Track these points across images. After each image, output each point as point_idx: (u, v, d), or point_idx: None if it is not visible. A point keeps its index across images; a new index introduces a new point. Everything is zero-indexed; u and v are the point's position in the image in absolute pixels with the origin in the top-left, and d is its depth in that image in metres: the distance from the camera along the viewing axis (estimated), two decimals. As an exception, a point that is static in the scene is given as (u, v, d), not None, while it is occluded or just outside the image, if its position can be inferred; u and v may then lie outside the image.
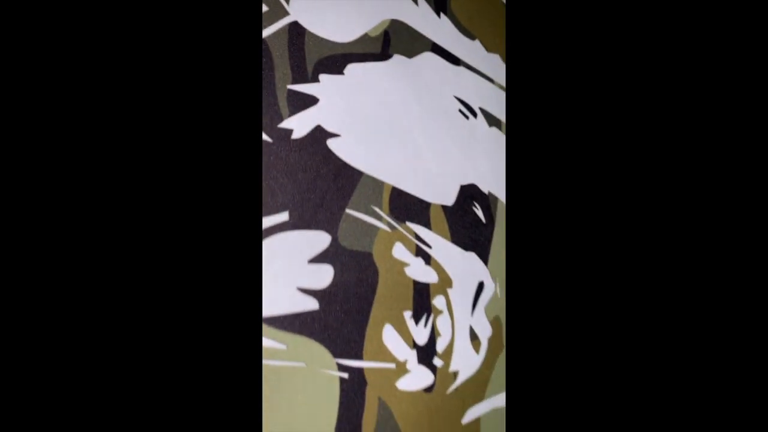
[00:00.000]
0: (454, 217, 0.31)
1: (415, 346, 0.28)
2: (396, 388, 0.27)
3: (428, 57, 0.33)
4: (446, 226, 0.31)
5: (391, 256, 0.28)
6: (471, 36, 0.36)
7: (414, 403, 0.27)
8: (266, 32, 0.28)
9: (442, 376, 0.29)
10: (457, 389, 0.29)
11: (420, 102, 0.32)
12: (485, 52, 0.36)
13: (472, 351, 0.30)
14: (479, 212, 0.33)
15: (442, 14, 0.35)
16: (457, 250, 0.31)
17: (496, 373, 0.31)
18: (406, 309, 0.28)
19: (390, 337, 0.27)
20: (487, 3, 0.37)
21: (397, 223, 0.29)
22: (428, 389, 0.28)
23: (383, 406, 0.26)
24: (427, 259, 0.30)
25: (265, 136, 0.26)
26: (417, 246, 0.29)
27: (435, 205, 0.31)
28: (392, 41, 0.31)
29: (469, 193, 0.33)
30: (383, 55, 0.31)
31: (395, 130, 0.30)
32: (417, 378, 0.28)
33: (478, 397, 0.30)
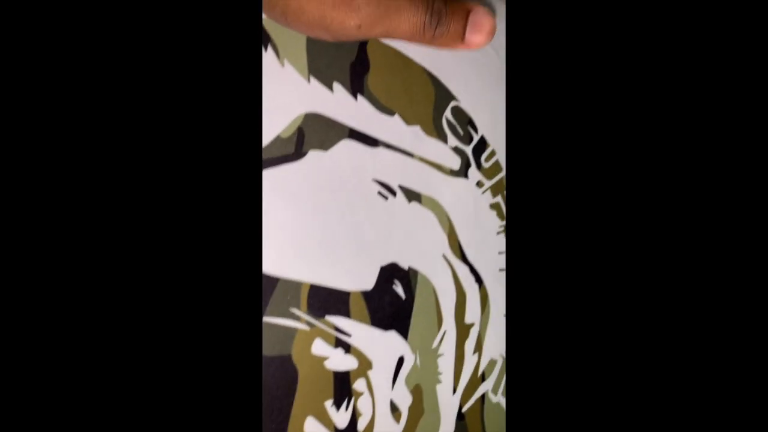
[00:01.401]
0: (373, 300, 0.34)
1: (335, 430, 0.31)
2: (319, 473, 0.30)
3: (345, 144, 0.34)
4: (366, 311, 0.33)
5: (310, 354, 0.30)
6: (389, 112, 0.37)
7: (336, 483, 0.30)
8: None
9: (364, 451, 0.32)
10: (378, 460, 0.32)
11: (336, 195, 0.33)
12: (405, 125, 0.38)
13: (393, 422, 0.33)
14: (399, 290, 0.35)
15: (359, 95, 0.35)
16: (377, 332, 0.34)
17: (416, 437, 0.34)
18: (327, 399, 0.31)
19: (312, 427, 0.30)
20: (405, 73, 0.38)
21: (316, 319, 0.31)
22: (350, 467, 0.31)
23: (307, 492, 0.29)
24: (347, 347, 0.32)
25: None
26: (336, 338, 0.32)
27: (355, 292, 0.33)
28: (306, 137, 0.32)
29: (389, 273, 0.35)
30: (297, 154, 0.32)
31: (312, 229, 0.32)
32: (339, 460, 0.31)
33: (399, 463, 0.33)
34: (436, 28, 0.27)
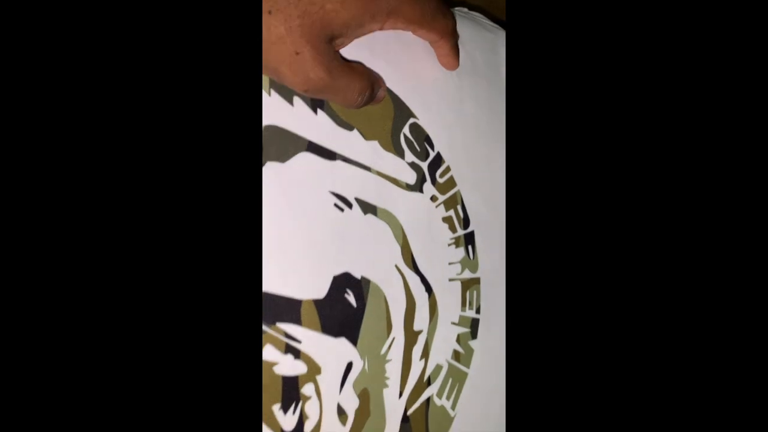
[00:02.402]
0: (325, 308, 0.35)
1: (282, 433, 0.32)
2: (265, 475, 0.31)
3: (303, 157, 0.35)
4: (317, 319, 0.35)
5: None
6: (349, 127, 0.38)
7: (280, 484, 0.32)
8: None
9: (309, 453, 0.33)
10: (323, 461, 0.34)
11: (293, 206, 0.34)
12: (363, 141, 0.39)
13: (340, 425, 0.35)
14: (351, 298, 0.37)
15: (319, 110, 0.37)
16: (327, 339, 0.35)
17: (361, 439, 0.36)
18: (274, 403, 0.32)
19: None
20: (367, 90, 0.40)
21: (267, 326, 0.32)
22: (295, 468, 0.32)
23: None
24: (297, 353, 0.33)
25: None
26: (286, 344, 0.33)
27: (307, 300, 0.34)
28: (264, 148, 0.33)
29: (342, 282, 0.36)
30: (255, 166, 0.33)
31: (267, 238, 0.33)
32: (284, 461, 0.32)
33: (344, 464, 0.35)
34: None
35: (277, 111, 0.34)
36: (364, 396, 0.37)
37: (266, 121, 0.34)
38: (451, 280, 0.44)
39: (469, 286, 0.46)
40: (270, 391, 0.32)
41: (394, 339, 0.39)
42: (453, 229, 0.46)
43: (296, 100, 0.35)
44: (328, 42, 0.31)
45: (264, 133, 0.33)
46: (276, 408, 0.32)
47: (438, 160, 0.45)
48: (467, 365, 0.45)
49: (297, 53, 0.29)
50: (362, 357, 0.37)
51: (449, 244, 0.45)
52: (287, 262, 0.33)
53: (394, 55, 0.41)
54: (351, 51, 0.38)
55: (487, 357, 0.44)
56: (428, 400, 0.41)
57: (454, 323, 0.44)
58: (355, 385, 0.36)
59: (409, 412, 0.40)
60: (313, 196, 0.35)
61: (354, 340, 0.36)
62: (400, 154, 0.42)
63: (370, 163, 0.39)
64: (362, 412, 0.36)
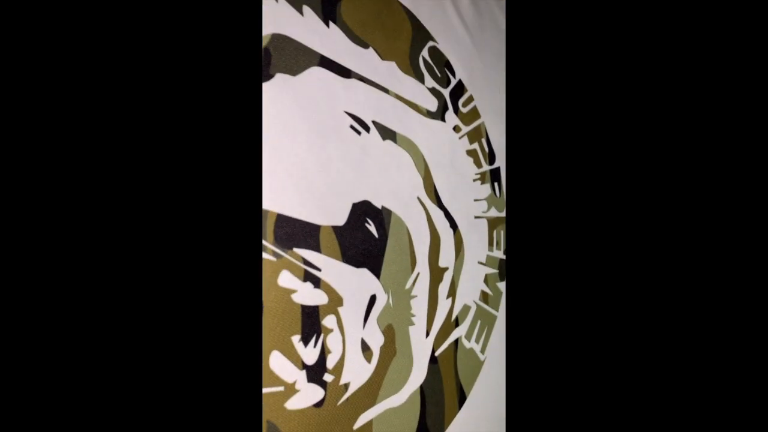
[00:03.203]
0: (345, 236, 0.32)
1: (304, 366, 0.30)
2: (285, 409, 0.29)
3: (315, 72, 0.32)
4: (338, 247, 0.32)
5: (276, 285, 0.29)
6: (364, 44, 0.35)
7: (303, 419, 0.29)
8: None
9: (333, 389, 0.31)
10: (348, 399, 0.31)
11: (307, 121, 0.31)
12: (379, 60, 0.36)
13: (364, 361, 0.32)
14: (372, 228, 0.34)
15: (331, 23, 0.34)
16: (348, 269, 0.32)
17: (388, 377, 0.33)
18: (294, 334, 0.30)
19: (277, 362, 0.29)
20: (382, 6, 0.36)
21: (283, 250, 0.30)
22: (318, 404, 0.30)
23: (272, 428, 0.28)
24: (317, 282, 0.31)
25: None
26: (305, 271, 0.30)
27: (325, 227, 0.31)
28: (273, 59, 0.30)
29: (362, 210, 0.33)
30: (264, 75, 0.30)
31: (281, 154, 0.30)
32: (306, 396, 0.29)
33: (370, 403, 0.32)
34: None
35: (284, 19, 0.31)
36: (389, 332, 0.34)
37: (273, 29, 0.31)
38: (476, 217, 0.41)
39: (496, 225, 0.43)
40: (289, 321, 0.29)
41: (419, 274, 0.36)
42: (478, 163, 0.42)
43: (306, 9, 0.32)
44: None
45: (271, 42, 0.30)
46: (296, 339, 0.29)
47: (460, 87, 0.41)
48: (496, 308, 0.42)
49: None
50: (386, 290, 0.34)
51: (474, 180, 0.42)
52: (303, 183, 0.31)
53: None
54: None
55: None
56: (456, 341, 0.39)
57: (481, 263, 0.41)
58: (379, 320, 0.33)
59: (437, 353, 0.37)
60: (327, 114, 0.32)
61: (377, 272, 0.34)
62: (420, 78, 0.39)
63: (388, 84, 0.36)
64: (388, 350, 0.34)
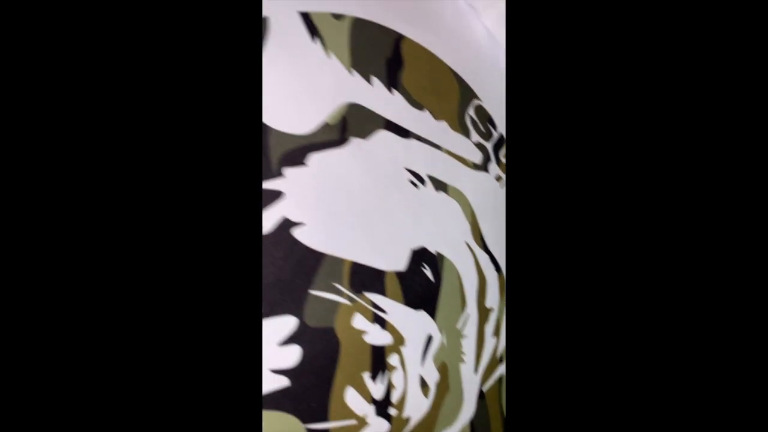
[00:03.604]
0: (406, 280, 0.36)
1: (373, 401, 0.33)
2: (357, 441, 0.32)
3: (382, 135, 0.36)
4: (399, 290, 0.35)
5: (351, 326, 0.32)
6: (420, 107, 0.39)
7: (373, 450, 0.32)
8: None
9: (397, 422, 0.34)
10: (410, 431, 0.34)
11: (375, 180, 0.35)
12: (433, 120, 0.40)
13: (422, 397, 0.35)
14: (428, 272, 0.37)
15: (393, 90, 0.38)
16: (409, 311, 0.36)
17: (442, 412, 0.36)
18: (364, 371, 0.33)
19: (351, 397, 0.32)
20: (436, 72, 0.41)
21: (356, 295, 0.33)
22: (385, 436, 0.33)
23: (347, 458, 0.31)
24: (383, 323, 0.34)
25: None
26: (374, 313, 0.33)
27: (389, 272, 0.35)
28: (349, 125, 0.34)
29: (419, 256, 0.37)
30: (341, 141, 0.34)
31: (353, 210, 0.34)
32: (374, 429, 0.32)
33: (428, 435, 0.35)
34: None
35: (357, 89, 0.35)
36: (443, 369, 0.37)
37: (349, 98, 0.35)
38: (516, 260, 0.45)
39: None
40: (360, 360, 0.33)
41: (468, 315, 0.40)
42: (516, 209, 0.46)
43: (374, 79, 0.37)
44: None
45: (348, 110, 0.35)
46: (366, 376, 0.33)
47: (501, 140, 0.45)
48: (534, 346, 0.45)
49: None
50: (441, 331, 0.37)
51: (513, 225, 0.46)
52: (371, 235, 0.34)
53: (456, 38, 0.43)
54: (417, 34, 0.39)
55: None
56: (501, 377, 0.41)
57: (521, 303, 0.44)
58: (435, 359, 0.36)
59: (484, 389, 0.40)
60: (391, 171, 0.36)
61: (432, 314, 0.37)
62: (466, 133, 0.43)
63: (440, 141, 0.40)
64: (442, 386, 0.37)
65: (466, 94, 0.43)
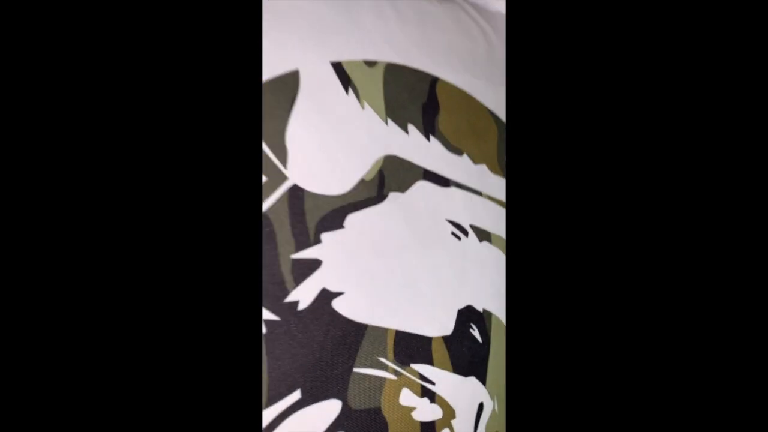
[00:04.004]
0: (453, 345, 0.33)
1: (425, 486, 0.29)
2: None
3: (420, 186, 0.34)
4: (447, 357, 0.32)
5: (398, 404, 0.29)
6: (458, 152, 0.37)
7: None
8: (267, 204, 0.28)
9: (451, 508, 0.30)
10: None
11: (416, 235, 0.33)
12: (473, 164, 0.37)
13: (477, 474, 0.32)
14: (476, 333, 0.34)
15: (431, 137, 0.35)
16: (458, 379, 0.32)
17: (498, 488, 0.33)
18: (415, 452, 0.30)
19: (402, 485, 0.29)
20: (472, 113, 0.38)
21: (402, 367, 0.30)
22: None
23: None
24: (432, 396, 0.31)
25: (270, 315, 0.27)
26: (422, 386, 0.30)
27: (436, 338, 0.32)
28: (386, 179, 0.32)
29: (466, 317, 0.34)
30: (379, 197, 0.31)
31: (395, 271, 0.31)
32: None
33: None
34: None
35: (394, 140, 0.33)
36: (496, 440, 0.34)
37: (386, 151, 0.33)
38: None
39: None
40: (409, 440, 0.29)
41: (520, 376, 0.36)
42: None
43: (410, 127, 0.34)
44: None
45: (384, 163, 0.32)
46: (416, 458, 0.29)
47: (543, 180, 0.43)
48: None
49: None
50: (492, 397, 0.34)
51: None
52: (416, 298, 0.31)
53: (490, 75, 0.40)
54: (452, 76, 0.37)
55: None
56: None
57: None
58: (487, 427, 0.33)
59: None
60: (432, 225, 0.34)
61: (483, 379, 0.34)
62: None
63: (481, 187, 0.37)
64: (497, 458, 0.33)
65: (504, 133, 0.41)
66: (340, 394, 0.28)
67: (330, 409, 0.27)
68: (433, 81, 0.36)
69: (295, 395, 0.26)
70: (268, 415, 0.25)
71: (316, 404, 0.27)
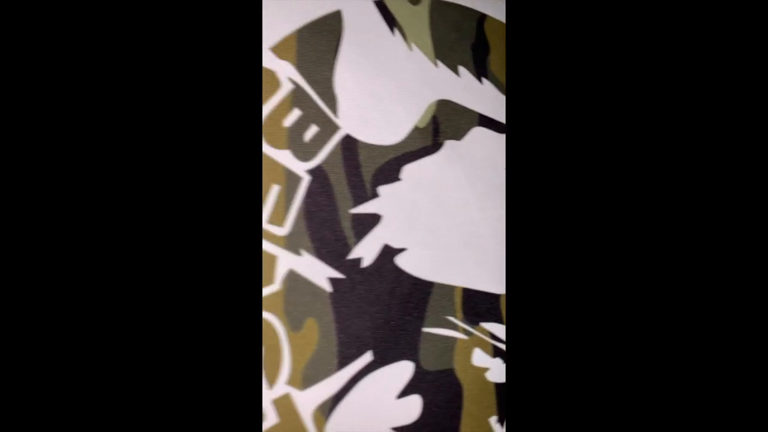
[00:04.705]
0: (522, 301, 0.30)
1: (504, 450, 0.28)
2: (492, 499, 0.27)
3: (476, 132, 0.31)
4: (516, 314, 0.30)
5: (471, 365, 0.27)
6: (513, 95, 0.34)
7: None
8: (321, 156, 0.25)
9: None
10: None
11: (475, 187, 0.30)
12: (528, 109, 0.34)
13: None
14: (544, 289, 0.32)
15: (483, 79, 0.32)
16: (529, 337, 0.30)
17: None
18: (491, 415, 0.28)
19: (481, 448, 0.27)
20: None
21: (472, 326, 0.28)
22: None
23: None
24: (504, 356, 0.29)
25: (336, 273, 0.25)
26: (493, 346, 0.28)
27: (504, 295, 0.30)
28: (441, 126, 0.29)
29: (533, 271, 0.32)
30: (435, 146, 0.29)
31: (455, 223, 0.29)
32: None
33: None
34: None
35: (445, 83, 0.30)
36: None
37: (438, 95, 0.30)
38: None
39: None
40: (486, 403, 0.28)
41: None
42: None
43: (461, 69, 0.31)
44: None
45: (437, 109, 0.30)
46: (493, 421, 0.28)
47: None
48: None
49: None
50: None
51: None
52: (480, 254, 0.29)
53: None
54: (499, 12, 0.33)
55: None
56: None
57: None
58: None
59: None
60: (492, 174, 0.31)
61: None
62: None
63: (539, 133, 0.34)
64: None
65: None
66: (411, 356, 0.26)
67: (403, 371, 0.25)
68: (481, 18, 0.33)
69: (367, 357, 0.25)
70: (341, 378, 0.24)
71: (388, 366, 0.25)
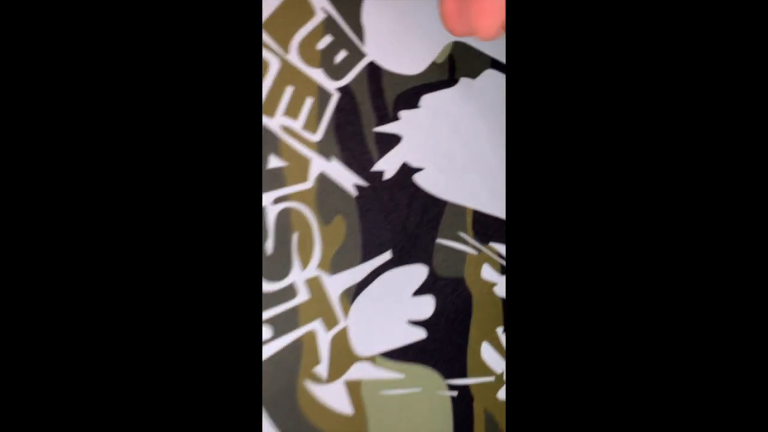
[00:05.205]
0: (528, 230, 0.33)
1: (509, 358, 0.30)
2: (497, 399, 0.29)
3: (489, 74, 0.34)
4: (523, 240, 0.32)
5: (480, 278, 0.30)
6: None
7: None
8: (349, 77, 0.28)
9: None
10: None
11: (487, 122, 0.33)
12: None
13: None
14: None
15: (496, 27, 0.35)
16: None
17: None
18: (498, 326, 0.30)
19: (487, 353, 0.29)
20: None
21: (482, 245, 0.31)
22: (524, 396, 0.30)
23: (489, 418, 0.29)
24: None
25: (361, 181, 0.28)
26: (501, 265, 0.31)
27: (511, 221, 0.32)
28: (457, 64, 0.32)
29: (539, 204, 0.34)
30: (451, 81, 0.32)
31: (469, 154, 0.31)
32: (514, 387, 0.30)
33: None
34: None
35: (461, 27, 0.33)
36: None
37: (453, 37, 0.32)
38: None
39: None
40: (493, 314, 0.30)
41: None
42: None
43: (476, 16, 0.34)
44: None
45: (454, 50, 0.32)
46: (500, 331, 0.30)
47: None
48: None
49: None
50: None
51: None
52: (490, 180, 0.32)
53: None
54: None
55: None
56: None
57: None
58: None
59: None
60: (501, 113, 0.34)
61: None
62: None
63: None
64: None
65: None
66: (426, 260, 0.28)
67: (418, 272, 0.28)
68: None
69: (386, 255, 0.27)
70: (364, 269, 0.27)
71: (405, 266, 0.28)
